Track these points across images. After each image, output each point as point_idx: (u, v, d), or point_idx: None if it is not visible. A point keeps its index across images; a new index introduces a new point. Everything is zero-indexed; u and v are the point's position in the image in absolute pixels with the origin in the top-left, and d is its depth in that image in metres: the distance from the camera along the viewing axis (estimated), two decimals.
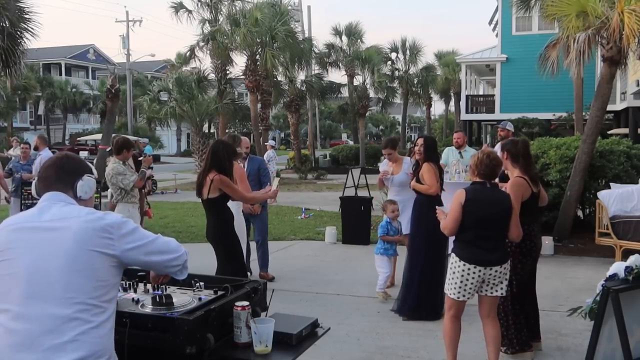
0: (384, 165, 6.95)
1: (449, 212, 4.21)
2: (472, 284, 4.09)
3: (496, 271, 4.10)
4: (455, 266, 4.14)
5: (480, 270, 4.06)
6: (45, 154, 9.63)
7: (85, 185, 2.32)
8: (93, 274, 2.09)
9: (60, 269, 2.06)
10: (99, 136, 29.63)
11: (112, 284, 2.17)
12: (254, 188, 6.56)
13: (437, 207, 4.59)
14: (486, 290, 4.18)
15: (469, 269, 4.07)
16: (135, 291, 2.87)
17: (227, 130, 24.85)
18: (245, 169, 7.03)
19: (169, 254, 2.32)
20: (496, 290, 4.17)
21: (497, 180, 7.89)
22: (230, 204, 5.35)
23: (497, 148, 8.71)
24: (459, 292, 4.13)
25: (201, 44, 22.92)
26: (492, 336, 4.25)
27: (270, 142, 20.12)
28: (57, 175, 2.29)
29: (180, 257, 2.37)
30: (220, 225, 5.18)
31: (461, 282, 4.10)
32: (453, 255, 4.19)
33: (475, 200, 4.08)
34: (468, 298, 4.17)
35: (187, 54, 23.81)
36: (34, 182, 2.45)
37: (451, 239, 5.74)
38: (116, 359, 2.19)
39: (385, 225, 6.39)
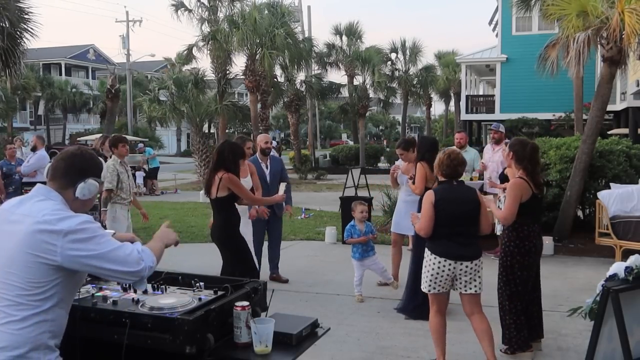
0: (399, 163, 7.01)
1: (421, 214, 4.36)
2: (442, 277, 4.23)
3: (467, 267, 4.20)
4: (427, 260, 4.31)
5: (450, 264, 4.19)
6: (42, 153, 9.69)
7: (86, 188, 2.36)
8: (26, 275, 2.16)
9: (0, 267, 2.19)
10: (99, 136, 29.56)
11: (53, 284, 2.20)
12: (275, 189, 6.51)
13: (411, 212, 4.65)
14: (460, 288, 4.28)
15: (439, 262, 4.21)
16: (135, 291, 2.87)
17: (227, 131, 24.86)
18: (267, 169, 6.98)
19: (122, 267, 2.25)
20: (470, 288, 4.26)
21: (492, 179, 7.87)
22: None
23: (488, 148, 8.76)
24: (430, 285, 4.29)
25: (200, 44, 22.90)
26: (482, 330, 4.31)
27: None
28: (65, 169, 2.36)
29: (136, 272, 2.28)
30: (226, 226, 5.15)
31: (432, 275, 4.25)
32: (426, 250, 4.34)
33: (444, 199, 4.24)
34: (439, 291, 4.30)
35: (185, 53, 23.79)
36: (47, 166, 2.47)
37: None
38: (49, 353, 2.21)
39: (349, 229, 6.40)
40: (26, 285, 2.16)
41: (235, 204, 5.27)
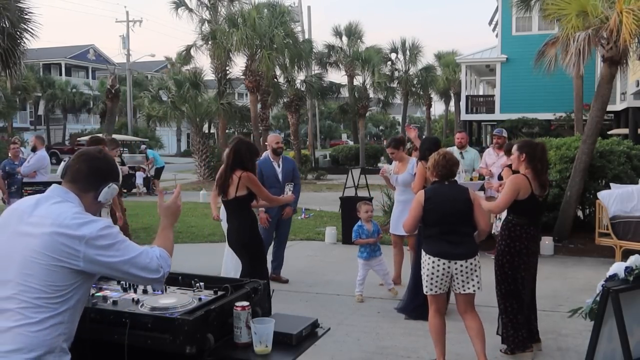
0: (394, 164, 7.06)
1: (409, 211, 4.44)
2: (438, 277, 4.23)
3: (462, 265, 4.21)
4: (423, 261, 4.33)
5: (444, 264, 4.21)
6: (42, 154, 9.66)
7: (109, 192, 2.37)
8: (46, 278, 2.13)
9: (17, 268, 2.14)
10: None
11: (73, 287, 2.18)
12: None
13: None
14: (459, 288, 4.27)
15: (433, 262, 4.23)
16: (135, 291, 2.87)
17: (227, 131, 24.87)
18: (279, 168, 6.98)
19: (143, 274, 2.27)
20: (468, 288, 4.26)
21: (490, 180, 7.85)
22: None
23: (490, 151, 8.75)
24: (427, 286, 4.30)
25: (200, 43, 22.92)
26: (474, 329, 4.32)
27: None
28: (88, 172, 2.33)
29: (156, 279, 2.31)
30: (245, 227, 5.07)
31: (427, 275, 4.27)
32: (422, 252, 4.38)
33: (435, 198, 4.28)
34: (437, 292, 4.29)
35: (184, 53, 23.81)
36: (62, 164, 2.45)
37: None
38: (64, 356, 2.19)
39: (357, 230, 6.41)
40: (47, 288, 2.12)
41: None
